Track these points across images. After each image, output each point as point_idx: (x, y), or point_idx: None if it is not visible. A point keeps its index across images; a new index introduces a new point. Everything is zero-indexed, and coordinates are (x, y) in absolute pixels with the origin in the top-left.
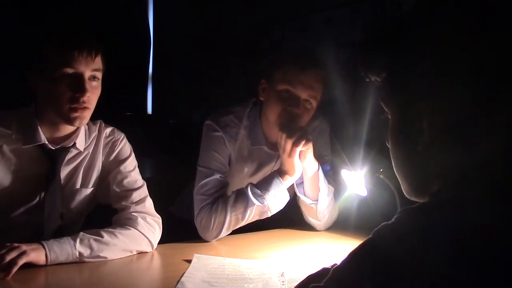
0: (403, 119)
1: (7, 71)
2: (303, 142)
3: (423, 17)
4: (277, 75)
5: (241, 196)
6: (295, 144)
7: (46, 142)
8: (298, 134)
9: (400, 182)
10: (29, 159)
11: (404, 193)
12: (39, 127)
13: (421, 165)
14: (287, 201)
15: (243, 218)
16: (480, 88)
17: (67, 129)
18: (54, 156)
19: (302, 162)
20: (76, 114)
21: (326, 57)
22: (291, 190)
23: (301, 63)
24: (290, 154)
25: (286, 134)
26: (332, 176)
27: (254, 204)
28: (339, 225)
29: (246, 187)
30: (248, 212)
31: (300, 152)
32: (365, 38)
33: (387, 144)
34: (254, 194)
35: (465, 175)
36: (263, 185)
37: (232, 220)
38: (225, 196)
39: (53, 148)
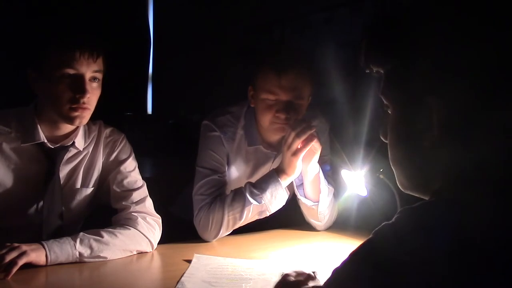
0: (409, 113)
1: (8, 70)
2: (308, 134)
3: (423, 16)
4: (259, 82)
5: (238, 195)
6: (298, 136)
7: (45, 141)
8: (307, 130)
9: (397, 175)
10: (28, 158)
11: (399, 185)
12: (38, 126)
13: (424, 161)
14: (285, 199)
15: (240, 218)
16: (480, 88)
17: (67, 128)
18: (53, 155)
19: (307, 164)
20: (76, 113)
21: (307, 53)
22: (291, 188)
23: (278, 68)
24: (295, 153)
25: (296, 133)
26: (332, 176)
27: (251, 203)
28: (339, 225)
29: (244, 186)
30: (246, 211)
31: (307, 153)
32: (371, 28)
33: (382, 138)
34: (251, 193)
35: (465, 175)
36: (261, 184)
37: (229, 219)
38: (223, 196)
39: (52, 147)
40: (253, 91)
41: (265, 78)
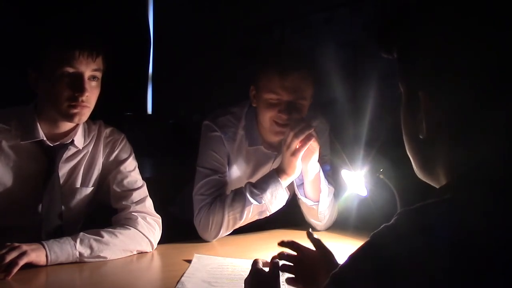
0: (408, 102)
1: (8, 70)
2: (306, 133)
3: (423, 16)
4: (262, 82)
5: (238, 195)
6: (296, 136)
7: (44, 139)
8: (306, 130)
9: (412, 162)
10: (28, 156)
11: (416, 173)
12: (38, 124)
13: (426, 156)
14: (286, 199)
15: (241, 218)
16: (481, 88)
17: (66, 126)
18: (52, 153)
19: (306, 163)
20: (75, 111)
21: (309, 54)
22: (291, 188)
23: (281, 68)
24: (294, 153)
25: (294, 133)
26: (332, 176)
27: (252, 203)
28: (339, 225)
29: (244, 186)
30: (246, 211)
31: (305, 152)
32: (381, 17)
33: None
34: (251, 193)
35: (465, 174)
36: (261, 184)
37: (230, 220)
38: (223, 196)
39: (51, 145)
40: (255, 91)
41: (268, 78)
